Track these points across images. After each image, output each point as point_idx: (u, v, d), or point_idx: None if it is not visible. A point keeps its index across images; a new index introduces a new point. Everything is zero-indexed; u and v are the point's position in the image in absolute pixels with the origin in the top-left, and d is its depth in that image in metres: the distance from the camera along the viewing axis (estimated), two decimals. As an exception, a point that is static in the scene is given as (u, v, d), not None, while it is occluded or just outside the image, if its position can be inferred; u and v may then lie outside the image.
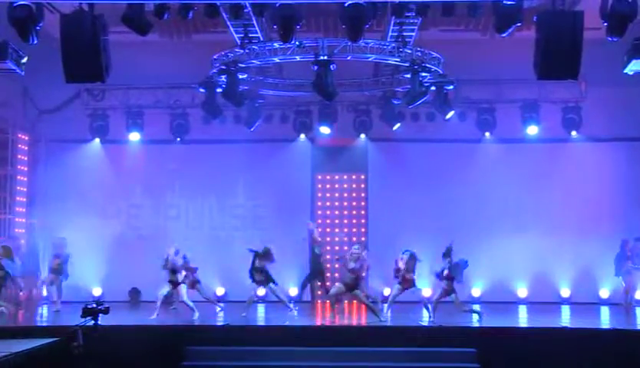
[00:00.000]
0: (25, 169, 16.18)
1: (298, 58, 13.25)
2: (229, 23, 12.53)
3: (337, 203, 16.82)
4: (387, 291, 14.76)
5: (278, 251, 14.93)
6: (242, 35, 12.94)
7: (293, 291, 15.69)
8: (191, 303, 12.69)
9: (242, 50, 13.29)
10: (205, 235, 16.26)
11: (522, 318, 14.13)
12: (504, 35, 10.35)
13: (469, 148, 16.25)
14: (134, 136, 16.40)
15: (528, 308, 15.22)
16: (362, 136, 16.45)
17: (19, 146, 15.89)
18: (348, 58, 13.22)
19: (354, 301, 13.66)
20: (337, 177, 16.89)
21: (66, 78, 9.98)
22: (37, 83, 14.21)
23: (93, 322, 8.51)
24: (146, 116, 16.25)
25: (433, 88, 14.24)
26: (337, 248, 16.56)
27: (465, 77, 14.89)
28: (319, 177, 16.88)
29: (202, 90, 14.68)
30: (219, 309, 13.55)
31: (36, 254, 14.68)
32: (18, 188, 15.83)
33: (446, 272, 12.52)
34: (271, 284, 12.92)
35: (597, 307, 15.22)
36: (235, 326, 11.99)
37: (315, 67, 12.74)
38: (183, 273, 12.90)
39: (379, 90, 15.69)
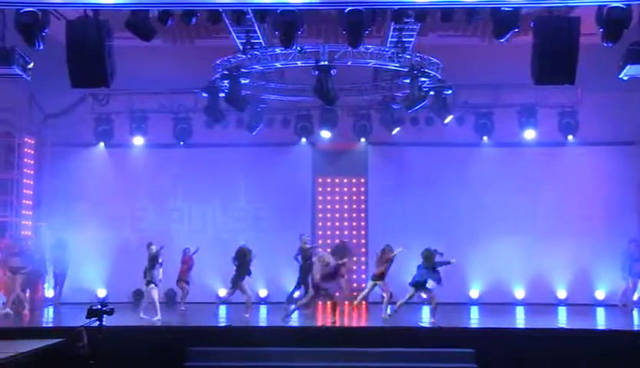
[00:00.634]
0: (31, 172, 16.17)
1: (299, 63, 13.29)
2: (231, 29, 12.55)
3: (337, 206, 16.82)
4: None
5: (279, 252, 15.06)
6: (244, 41, 12.95)
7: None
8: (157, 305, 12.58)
9: (244, 56, 13.30)
10: (208, 238, 16.21)
11: (520, 319, 14.12)
12: (502, 41, 10.34)
13: (467, 152, 16.25)
14: (138, 140, 16.41)
15: (525, 309, 15.19)
16: (362, 140, 16.45)
17: (25, 149, 15.89)
18: (349, 64, 13.23)
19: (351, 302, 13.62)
20: (337, 180, 16.89)
21: (71, 83, 9.99)
22: (43, 88, 14.22)
23: (97, 323, 8.50)
24: (149, 120, 16.25)
25: (432, 93, 14.25)
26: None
27: (463, 82, 14.90)
28: (320, 180, 16.88)
29: (204, 94, 14.68)
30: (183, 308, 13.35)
31: (42, 256, 14.66)
32: (25, 191, 15.82)
33: (432, 283, 12.33)
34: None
35: (593, 309, 15.19)
36: (237, 327, 11.98)
37: (316, 73, 12.75)
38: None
39: (379, 95, 15.70)
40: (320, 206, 16.80)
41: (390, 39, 12.92)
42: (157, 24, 10.95)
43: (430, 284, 12.34)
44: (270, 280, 15.94)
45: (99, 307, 8.58)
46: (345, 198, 16.84)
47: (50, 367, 9.57)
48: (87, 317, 8.50)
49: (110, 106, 16.27)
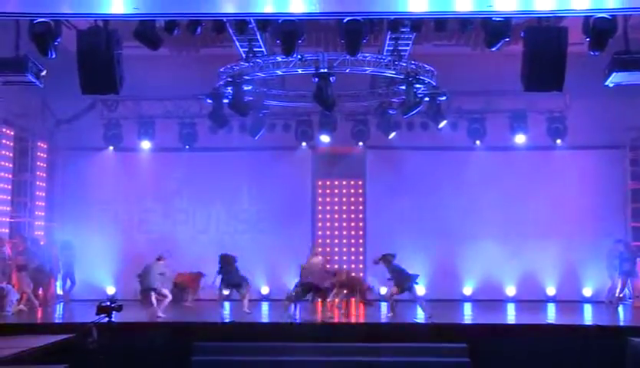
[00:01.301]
0: (44, 175, 16.20)
1: (299, 71, 13.30)
2: (234, 38, 12.57)
3: (336, 207, 16.83)
4: (383, 290, 14.75)
5: (280, 251, 15.08)
6: (247, 49, 12.97)
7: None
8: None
9: (247, 64, 13.32)
10: (211, 238, 16.24)
11: (511, 315, 14.13)
12: (493, 49, 10.38)
13: (460, 155, 16.27)
14: (146, 144, 16.44)
15: (516, 306, 15.20)
16: (360, 144, 16.45)
17: (38, 153, 15.91)
18: (347, 71, 13.25)
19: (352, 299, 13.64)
20: (336, 183, 16.91)
21: (82, 90, 10.01)
22: (55, 94, 14.25)
23: (107, 319, 8.53)
24: (156, 125, 16.27)
25: (426, 99, 14.27)
26: (336, 249, 16.61)
27: (457, 88, 14.91)
28: (319, 183, 16.90)
29: (209, 101, 14.71)
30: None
31: (49, 254, 14.68)
32: (37, 193, 15.84)
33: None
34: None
35: (580, 305, 15.20)
36: (240, 323, 12.00)
37: (316, 80, 12.77)
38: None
39: (376, 101, 15.70)
40: (320, 207, 16.81)
41: (386, 48, 12.94)
42: (164, 33, 11.01)
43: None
44: (271, 278, 15.96)
45: (108, 303, 8.62)
46: (344, 199, 16.86)
47: (61, 361, 9.57)
48: (96, 314, 8.54)
49: (118, 112, 16.29)
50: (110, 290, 16.00)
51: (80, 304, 14.02)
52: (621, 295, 14.50)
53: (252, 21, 11.28)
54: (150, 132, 16.25)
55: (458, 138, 16.01)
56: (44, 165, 16.21)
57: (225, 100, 14.23)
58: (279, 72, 13.51)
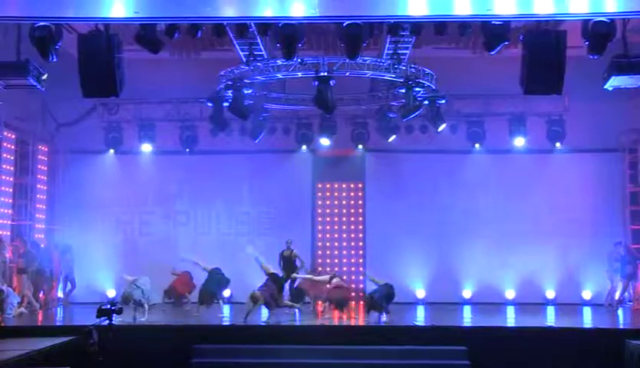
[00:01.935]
0: (45, 178, 16.19)
1: (299, 74, 13.29)
2: (235, 42, 12.58)
3: (336, 210, 16.80)
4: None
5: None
6: (247, 53, 12.97)
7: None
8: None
9: (247, 67, 13.31)
10: (212, 240, 16.25)
11: (510, 318, 14.11)
12: (492, 53, 10.35)
13: (460, 158, 16.26)
14: (146, 147, 16.44)
15: (515, 309, 15.18)
16: (360, 146, 16.46)
17: (39, 156, 15.91)
18: (347, 74, 13.26)
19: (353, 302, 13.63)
20: (336, 185, 16.89)
21: (83, 93, 10.00)
22: (56, 97, 14.26)
23: (107, 321, 8.51)
24: (157, 128, 16.28)
25: (426, 102, 14.26)
26: (336, 252, 16.60)
27: (456, 91, 14.94)
28: (319, 185, 16.88)
29: (209, 104, 14.71)
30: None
31: (49, 257, 14.67)
32: (38, 196, 15.83)
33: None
34: None
35: (580, 308, 15.19)
36: (240, 326, 11.98)
37: (316, 83, 12.76)
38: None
39: (375, 104, 15.71)
40: (319, 210, 16.79)
41: (386, 51, 12.93)
42: (165, 37, 11.00)
43: None
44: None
45: (108, 306, 8.60)
46: (344, 202, 16.83)
47: (62, 364, 9.56)
48: (97, 316, 8.52)
49: (119, 115, 16.30)
50: (111, 293, 15.97)
51: (81, 307, 14.00)
52: (621, 298, 14.49)
53: (253, 24, 11.28)
54: (151, 135, 16.26)
55: (457, 141, 16.00)
56: (45, 168, 16.21)
57: (226, 104, 14.23)
58: (279, 75, 13.50)
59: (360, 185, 16.81)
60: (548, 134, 15.87)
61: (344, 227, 16.74)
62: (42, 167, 16.07)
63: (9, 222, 14.68)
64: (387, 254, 15.63)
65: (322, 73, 12.75)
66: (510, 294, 15.96)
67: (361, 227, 16.70)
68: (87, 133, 16.21)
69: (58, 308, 14.77)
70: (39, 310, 13.64)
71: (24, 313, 13.01)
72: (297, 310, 12.98)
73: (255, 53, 12.96)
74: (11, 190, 14.87)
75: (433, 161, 16.22)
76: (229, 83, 13.67)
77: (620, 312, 14.16)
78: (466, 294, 16.02)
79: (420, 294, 15.95)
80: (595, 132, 15.63)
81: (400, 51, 12.82)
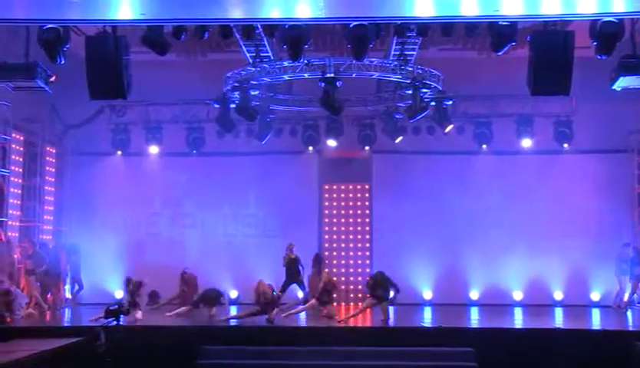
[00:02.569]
0: (53, 179, 16.25)
1: (306, 76, 13.30)
2: (241, 43, 12.60)
3: (343, 211, 16.80)
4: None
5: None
6: (253, 54, 13.01)
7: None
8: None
9: (253, 69, 13.35)
10: (219, 242, 16.26)
11: (518, 320, 14.05)
12: (500, 54, 10.35)
13: (467, 159, 16.22)
14: (153, 149, 16.48)
15: (523, 310, 15.12)
16: (366, 148, 16.44)
17: (47, 158, 15.96)
18: (353, 76, 13.25)
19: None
20: (343, 187, 16.88)
21: (90, 95, 10.05)
22: (64, 99, 14.31)
23: (115, 322, 8.53)
24: (164, 130, 16.32)
25: (433, 103, 14.26)
26: (343, 253, 16.59)
27: (463, 92, 14.91)
28: (326, 187, 16.88)
29: (216, 105, 14.74)
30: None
31: (57, 258, 14.72)
32: (46, 197, 15.87)
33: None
34: None
35: (588, 309, 15.11)
36: (246, 327, 11.98)
37: (322, 84, 12.78)
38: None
39: (382, 106, 15.71)
40: (326, 211, 16.79)
41: (393, 52, 12.94)
42: (172, 39, 11.04)
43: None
44: (278, 282, 15.87)
45: (116, 307, 8.62)
46: (350, 203, 16.83)
47: (70, 364, 9.59)
48: (104, 317, 8.55)
49: (126, 117, 16.35)
50: (119, 294, 16.00)
51: (89, 308, 14.02)
52: (630, 300, 14.40)
53: (259, 26, 11.30)
54: (158, 137, 16.30)
55: (464, 142, 15.97)
56: (53, 169, 16.27)
57: (233, 105, 14.27)
58: (286, 77, 13.52)
59: (366, 187, 16.80)
60: (555, 135, 15.82)
61: (350, 228, 16.73)
62: (50, 169, 16.13)
63: (17, 224, 14.73)
64: (394, 256, 15.59)
65: (329, 75, 12.77)
66: (518, 295, 15.90)
67: (367, 228, 16.68)
68: (94, 135, 16.28)
69: (66, 309, 14.82)
70: (47, 310, 13.67)
71: (33, 313, 13.04)
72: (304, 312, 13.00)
73: (262, 54, 13.00)
74: (19, 192, 14.93)
75: (440, 162, 16.19)
76: (236, 84, 13.71)
77: (629, 314, 14.07)
78: (474, 295, 15.97)
79: (427, 295, 15.91)
80: (603, 133, 15.56)
81: (406, 52, 12.84)
